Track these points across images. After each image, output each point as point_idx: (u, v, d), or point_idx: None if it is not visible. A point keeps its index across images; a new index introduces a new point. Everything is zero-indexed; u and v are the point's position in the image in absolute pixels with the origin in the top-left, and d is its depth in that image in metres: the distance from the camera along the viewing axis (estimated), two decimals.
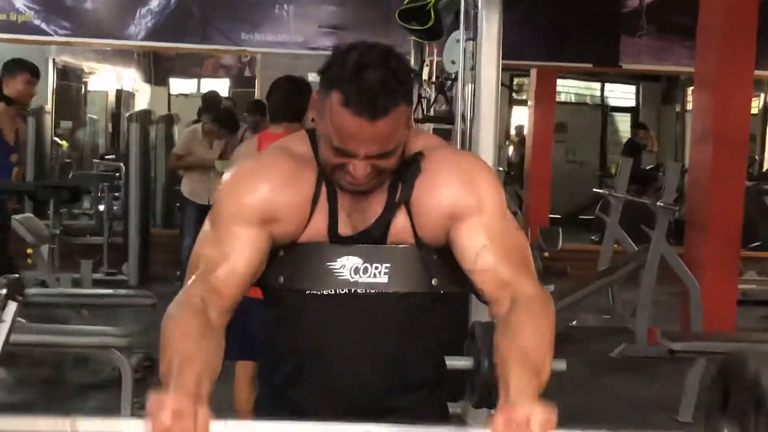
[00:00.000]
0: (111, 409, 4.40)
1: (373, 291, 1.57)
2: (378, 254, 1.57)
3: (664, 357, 5.05)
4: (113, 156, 11.24)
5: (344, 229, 1.59)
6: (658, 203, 6.37)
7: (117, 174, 8.74)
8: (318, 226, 1.58)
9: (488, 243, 1.53)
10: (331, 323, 1.59)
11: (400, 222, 1.59)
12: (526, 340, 1.43)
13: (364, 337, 1.59)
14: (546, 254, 6.91)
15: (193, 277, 1.55)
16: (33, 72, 5.23)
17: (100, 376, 5.08)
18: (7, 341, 3.31)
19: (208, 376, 1.36)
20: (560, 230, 6.77)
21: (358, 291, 1.57)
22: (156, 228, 8.94)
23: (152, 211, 9.09)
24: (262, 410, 1.73)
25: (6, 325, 3.31)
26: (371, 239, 1.58)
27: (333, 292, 1.57)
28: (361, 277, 1.57)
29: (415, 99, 4.69)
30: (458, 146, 3.71)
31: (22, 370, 5.17)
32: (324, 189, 1.58)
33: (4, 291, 3.35)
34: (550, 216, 10.09)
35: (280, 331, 1.66)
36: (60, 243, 7.37)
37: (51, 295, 5.75)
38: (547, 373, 1.43)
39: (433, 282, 1.59)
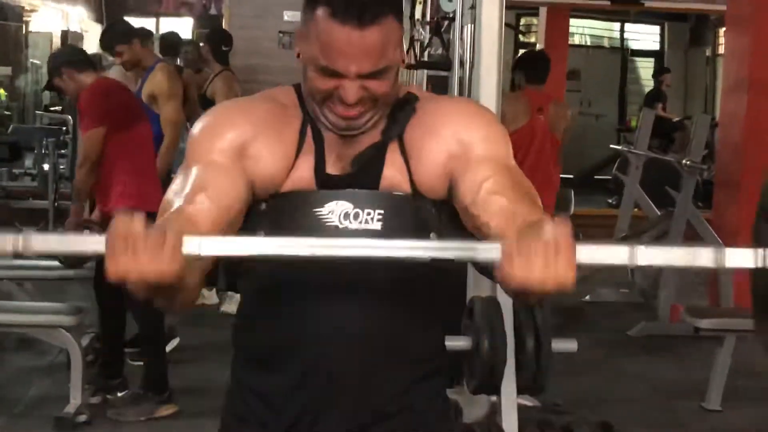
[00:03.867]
0: (58, 397, 4.40)
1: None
2: (370, 199, 1.58)
3: (689, 336, 5.10)
4: (59, 108, 11.15)
5: (332, 169, 1.61)
6: (683, 161, 6.39)
7: (64, 128, 8.67)
8: (303, 172, 1.60)
9: (494, 175, 1.54)
10: (313, 284, 1.57)
11: (394, 166, 1.60)
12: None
13: (349, 306, 1.59)
14: None
15: (164, 215, 1.49)
16: None
17: (46, 359, 5.09)
18: None
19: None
20: (572, 192, 6.78)
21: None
22: None
23: None
24: (231, 406, 1.73)
25: None
26: (362, 182, 1.59)
27: None
28: (351, 223, 1.57)
29: (406, 43, 4.68)
30: (456, 95, 3.71)
31: None
32: (309, 132, 1.61)
33: None
34: (561, 176, 10.07)
35: (254, 308, 1.66)
36: None
37: None
38: None
39: (431, 236, 1.59)
